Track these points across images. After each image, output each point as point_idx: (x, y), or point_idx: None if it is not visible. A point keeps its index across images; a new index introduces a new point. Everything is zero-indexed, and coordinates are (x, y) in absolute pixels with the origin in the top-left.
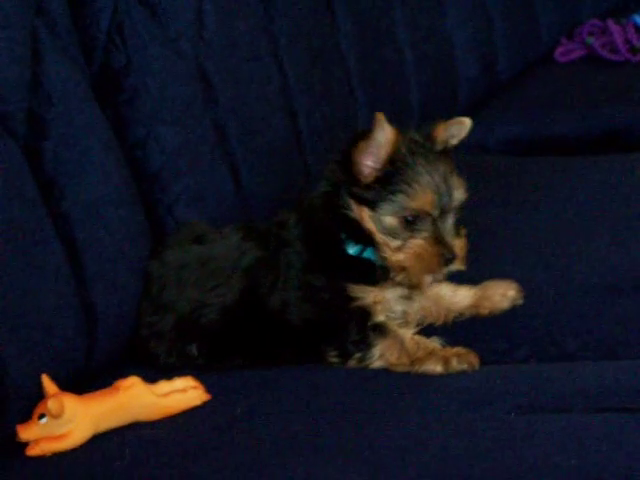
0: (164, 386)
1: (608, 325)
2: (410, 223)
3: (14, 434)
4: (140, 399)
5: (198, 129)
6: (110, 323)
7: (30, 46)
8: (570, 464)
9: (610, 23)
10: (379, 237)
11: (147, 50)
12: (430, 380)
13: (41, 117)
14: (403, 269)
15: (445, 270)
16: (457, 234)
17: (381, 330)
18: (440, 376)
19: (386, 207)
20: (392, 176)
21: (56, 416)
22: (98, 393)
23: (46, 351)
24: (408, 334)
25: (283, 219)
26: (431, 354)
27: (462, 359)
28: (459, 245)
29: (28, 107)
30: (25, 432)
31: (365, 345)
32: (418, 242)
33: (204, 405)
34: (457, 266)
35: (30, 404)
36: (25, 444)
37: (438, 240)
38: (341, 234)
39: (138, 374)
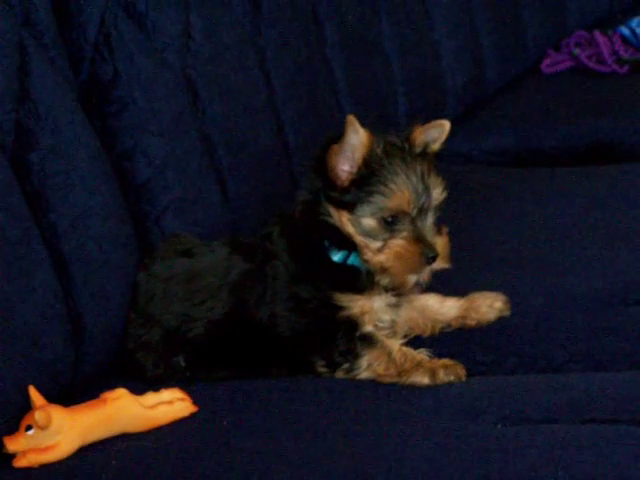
0: (151, 398)
1: (595, 337)
2: (389, 224)
3: (1, 446)
4: (127, 411)
5: (185, 140)
6: (97, 334)
7: (17, 58)
8: (557, 475)
9: (597, 34)
10: (359, 239)
11: (134, 62)
12: (417, 392)
13: (28, 129)
14: (385, 270)
15: (427, 269)
16: (438, 233)
17: (369, 341)
18: (427, 388)
19: (364, 209)
20: (368, 178)
21: (43, 428)
22: (85, 405)
23: (33, 362)
24: (396, 345)
25: (268, 231)
26: (418, 365)
27: (449, 371)
28: (440, 243)
29: (15, 119)
30: (12, 443)
31: (353, 356)
32: (398, 242)
33: (191, 417)
34: (440, 264)
35: (17, 416)
36: (12, 455)
37: (418, 239)
38: (324, 241)
39: (125, 386)
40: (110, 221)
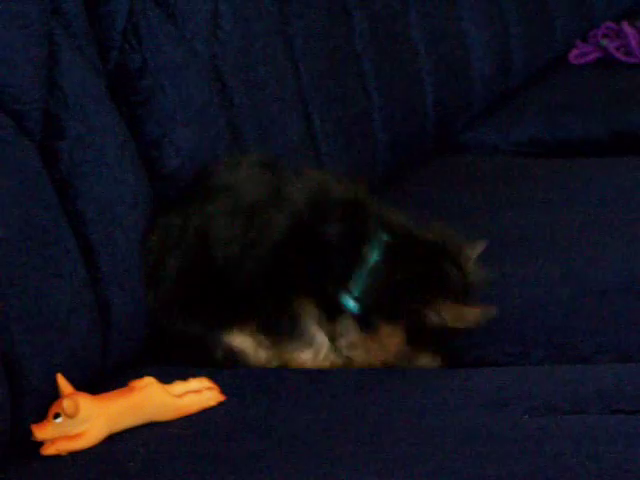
0: (179, 386)
1: (624, 327)
2: None
3: (29, 433)
4: (155, 399)
5: (213, 130)
6: (124, 323)
7: (46, 46)
8: (584, 466)
9: (625, 26)
10: None
11: (163, 51)
12: (445, 382)
13: (57, 117)
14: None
15: None
16: None
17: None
18: (453, 380)
19: None
20: None
21: (71, 416)
22: (113, 393)
23: (61, 351)
24: None
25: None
26: None
27: None
28: None
29: (44, 107)
30: (40, 431)
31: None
32: None
33: (218, 406)
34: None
35: (45, 404)
36: (40, 443)
37: None
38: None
39: (153, 374)
40: (138, 210)
